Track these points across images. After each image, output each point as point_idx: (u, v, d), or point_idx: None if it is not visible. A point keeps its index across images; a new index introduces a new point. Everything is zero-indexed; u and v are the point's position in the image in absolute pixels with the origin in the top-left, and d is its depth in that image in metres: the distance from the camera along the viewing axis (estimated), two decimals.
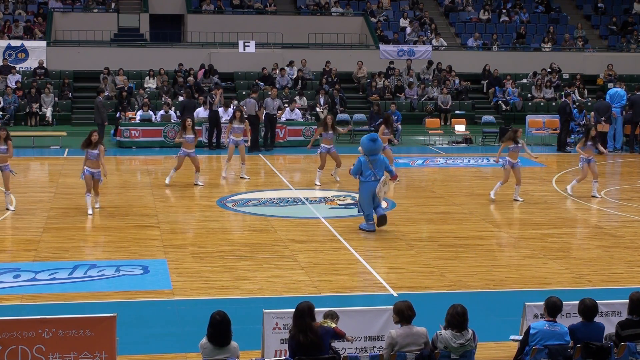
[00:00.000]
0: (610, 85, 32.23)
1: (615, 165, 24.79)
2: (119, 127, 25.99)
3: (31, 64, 32.12)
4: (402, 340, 8.11)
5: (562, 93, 31.29)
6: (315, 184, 19.83)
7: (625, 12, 40.15)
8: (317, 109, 29.61)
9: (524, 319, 9.21)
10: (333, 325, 8.27)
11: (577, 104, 29.79)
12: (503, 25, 38.12)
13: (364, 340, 8.87)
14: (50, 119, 29.48)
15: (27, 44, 32.51)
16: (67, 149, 24.81)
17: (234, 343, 7.97)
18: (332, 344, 8.36)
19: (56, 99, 30.32)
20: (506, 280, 12.51)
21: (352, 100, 32.45)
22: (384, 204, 17.70)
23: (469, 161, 24.29)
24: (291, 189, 19.48)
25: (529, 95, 33.48)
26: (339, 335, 8.28)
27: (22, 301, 11.25)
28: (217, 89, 26.57)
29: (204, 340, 7.95)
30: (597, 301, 8.65)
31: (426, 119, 29.63)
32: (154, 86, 31.15)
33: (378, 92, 32.34)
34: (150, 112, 26.25)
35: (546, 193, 19.25)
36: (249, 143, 21.04)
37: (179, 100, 27.87)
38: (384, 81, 32.90)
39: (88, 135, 16.71)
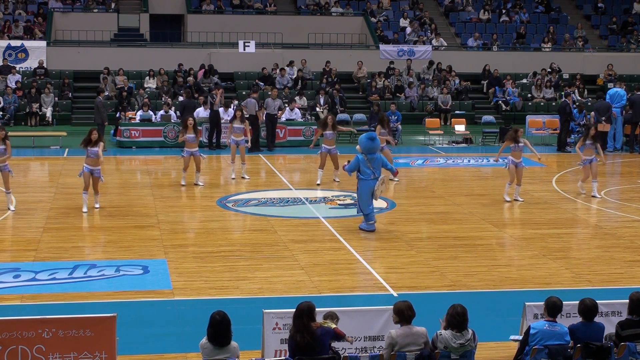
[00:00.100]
0: (610, 85, 32.23)
1: (615, 165, 24.79)
2: (119, 127, 25.99)
3: (31, 64, 32.12)
4: (402, 340, 8.11)
5: (562, 93, 31.30)
6: (317, 184, 19.86)
7: (625, 12, 40.15)
8: (317, 109, 29.61)
9: (524, 319, 9.21)
10: (333, 326, 8.27)
11: (577, 104, 29.79)
12: (503, 25, 38.13)
13: (364, 340, 8.87)
14: (50, 119, 29.48)
15: (27, 44, 32.51)
16: (67, 149, 24.81)
17: (234, 343, 7.97)
18: (332, 345, 8.35)
19: (56, 99, 30.32)
20: (506, 280, 12.51)
21: (352, 100, 32.45)
22: (383, 204, 17.73)
23: (469, 161, 24.29)
24: (291, 189, 19.48)
25: (529, 95, 33.48)
26: (339, 336, 8.28)
27: (22, 301, 11.25)
28: (218, 89, 26.57)
29: (204, 340, 7.95)
30: (597, 301, 8.65)
31: (426, 119, 29.63)
32: (154, 86, 31.16)
33: (378, 92, 32.34)
34: (150, 112, 26.25)
35: (546, 193, 19.25)
36: (249, 144, 21.03)
37: (179, 100, 27.87)
38: (384, 81, 32.90)
39: (88, 133, 16.73)
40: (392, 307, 8.38)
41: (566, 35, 37.01)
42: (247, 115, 24.34)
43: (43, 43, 32.81)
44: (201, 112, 25.70)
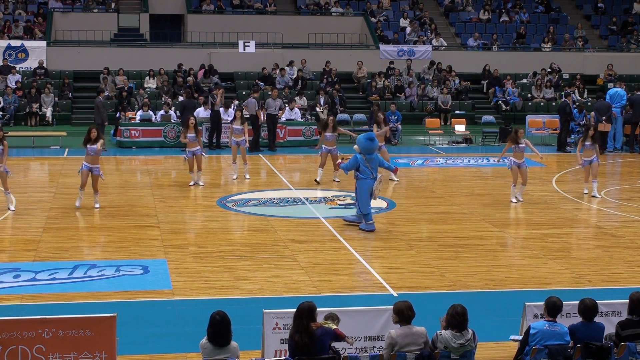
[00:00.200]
0: (610, 85, 32.23)
1: (615, 165, 24.79)
2: (119, 127, 25.99)
3: (31, 64, 32.12)
4: (401, 340, 8.11)
5: (562, 93, 31.30)
6: (316, 181, 19.93)
7: (625, 12, 40.15)
8: (317, 109, 29.61)
9: (524, 319, 9.21)
10: (334, 326, 8.26)
11: (577, 104, 29.79)
12: (503, 25, 38.12)
13: (364, 340, 8.87)
14: (50, 119, 29.48)
15: (27, 44, 32.50)
16: (67, 149, 24.81)
17: (234, 343, 7.97)
18: (333, 345, 8.35)
19: (56, 99, 30.32)
20: (506, 280, 12.51)
21: (352, 100, 32.45)
22: (383, 204, 17.73)
23: (469, 161, 24.29)
24: (291, 189, 19.49)
25: (529, 95, 33.48)
26: (340, 337, 8.28)
27: (22, 301, 11.25)
28: (219, 89, 26.58)
29: (204, 340, 7.95)
30: (597, 301, 8.65)
31: (426, 119, 29.63)
32: (154, 86, 31.16)
33: (378, 92, 32.34)
34: (150, 112, 26.25)
35: (546, 193, 19.25)
36: (247, 144, 20.98)
37: (179, 100, 27.87)
38: (384, 81, 32.90)
39: (87, 132, 16.77)
40: (392, 307, 8.38)
41: (566, 35, 37.01)
42: (248, 115, 24.37)
43: (43, 43, 32.81)
44: (201, 112, 25.69)
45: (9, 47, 32.07)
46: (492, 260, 13.56)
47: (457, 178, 21.70)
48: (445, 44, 36.18)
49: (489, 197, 18.78)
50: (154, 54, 33.31)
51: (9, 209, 16.45)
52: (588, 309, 8.52)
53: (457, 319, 8.12)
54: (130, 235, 14.86)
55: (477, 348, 8.31)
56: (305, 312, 8.05)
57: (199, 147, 19.33)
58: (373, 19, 36.92)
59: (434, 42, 35.52)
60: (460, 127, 28.50)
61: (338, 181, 20.12)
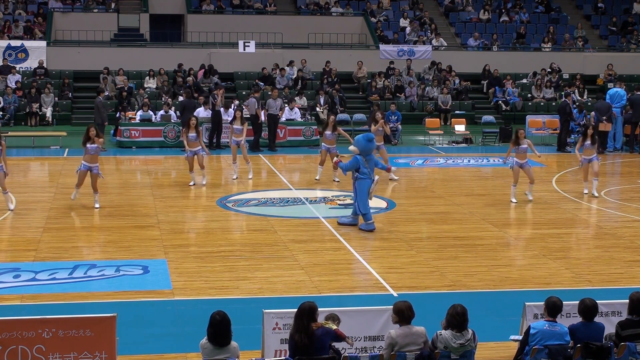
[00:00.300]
0: (610, 85, 32.23)
1: (615, 165, 24.79)
2: (119, 127, 25.99)
3: (31, 64, 32.12)
4: (401, 340, 8.11)
5: (562, 93, 31.29)
6: (315, 179, 19.95)
7: (625, 12, 40.15)
8: (317, 109, 29.61)
9: (524, 319, 9.21)
10: (334, 327, 8.26)
11: (577, 104, 29.79)
12: (503, 25, 38.12)
13: (364, 340, 8.87)
14: (50, 119, 29.47)
15: (27, 44, 32.50)
16: (67, 149, 24.81)
17: (234, 343, 7.97)
18: (334, 345, 8.35)
19: (56, 99, 30.32)
20: (506, 280, 12.51)
21: (352, 100, 32.44)
22: (383, 204, 17.74)
23: (469, 161, 24.29)
24: (291, 189, 19.49)
25: (529, 95, 33.48)
26: (340, 338, 8.28)
27: (22, 301, 11.25)
28: (219, 89, 26.59)
29: (204, 340, 7.95)
30: (597, 301, 8.65)
31: (426, 119, 29.63)
32: (154, 86, 31.15)
33: (378, 92, 32.33)
34: (150, 112, 26.25)
35: (546, 193, 19.24)
36: (243, 142, 20.87)
37: (179, 100, 27.87)
38: (384, 81, 32.89)
39: (86, 131, 16.79)
40: (392, 307, 8.38)
41: (566, 35, 37.01)
42: (248, 115, 24.37)
43: (43, 43, 32.81)
44: (201, 112, 25.69)
45: (9, 47, 32.07)
46: (492, 260, 13.56)
47: (457, 178, 21.70)
48: (445, 44, 36.18)
49: (489, 197, 18.78)
50: (154, 54, 33.31)
51: (9, 208, 16.46)
52: (588, 309, 8.52)
53: (457, 319, 8.12)
54: (130, 235, 14.86)
55: (477, 348, 8.31)
56: (306, 312, 8.05)
57: (200, 147, 19.33)
58: (373, 19, 36.91)
59: (434, 42, 35.52)
60: (460, 127, 28.50)
61: (338, 181, 20.12)
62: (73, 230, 15.38)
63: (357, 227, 15.43)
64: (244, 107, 25.18)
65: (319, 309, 8.23)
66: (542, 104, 32.93)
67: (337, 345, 8.46)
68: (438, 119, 30.17)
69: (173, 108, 26.88)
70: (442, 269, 12.95)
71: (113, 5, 35.83)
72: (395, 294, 11.59)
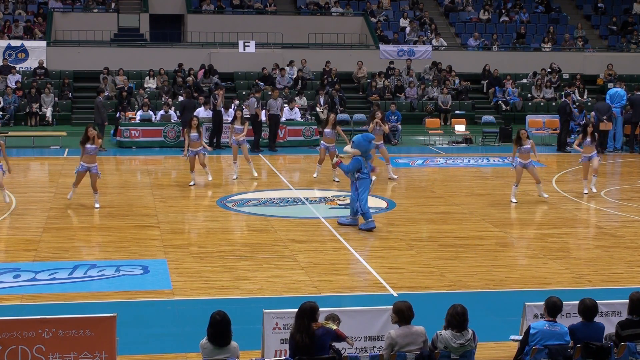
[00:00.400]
0: (610, 85, 32.23)
1: (615, 165, 24.79)
2: (119, 127, 25.99)
3: (31, 64, 32.12)
4: (401, 340, 8.11)
5: (562, 93, 31.29)
6: (313, 177, 20.00)
7: (625, 12, 40.15)
8: (317, 109, 29.61)
9: (524, 319, 9.21)
10: (334, 327, 8.27)
11: (577, 104, 29.80)
12: (503, 25, 38.12)
13: (364, 340, 8.87)
14: (50, 119, 29.47)
15: (27, 44, 32.51)
16: (67, 149, 24.81)
17: (234, 343, 7.97)
18: (334, 345, 8.34)
19: (56, 99, 30.32)
20: (506, 280, 12.51)
21: (352, 100, 32.44)
22: (383, 204, 17.74)
23: (469, 161, 24.29)
24: (291, 189, 19.49)
25: (529, 95, 33.48)
26: (340, 338, 8.28)
27: (22, 301, 11.25)
28: (220, 89, 26.59)
29: (204, 340, 7.95)
30: (597, 301, 8.65)
31: (426, 119, 29.63)
32: (154, 86, 31.16)
33: (378, 92, 32.33)
34: (150, 112, 26.25)
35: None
36: (244, 142, 20.87)
37: (179, 100, 27.87)
38: (384, 81, 32.90)
39: (85, 131, 16.77)
40: (391, 307, 8.38)
41: (566, 35, 37.01)
42: (248, 115, 24.37)
43: (43, 43, 32.81)
44: (201, 112, 25.69)
45: (9, 47, 32.07)
46: (492, 260, 13.56)
47: (457, 178, 21.70)
48: (445, 44, 36.18)
49: (489, 197, 18.78)
50: (154, 54, 33.31)
51: (5, 201, 16.45)
52: (588, 309, 8.52)
53: (457, 319, 8.12)
54: (130, 235, 14.86)
55: (477, 348, 8.30)
56: (307, 312, 8.05)
57: (201, 147, 19.32)
58: (373, 19, 36.92)
59: (434, 42, 35.52)
60: (460, 127, 28.50)
61: (338, 181, 20.12)
62: (73, 230, 15.39)
63: (357, 227, 15.43)
64: (244, 107, 25.18)
65: (319, 309, 8.23)
66: (542, 104, 32.93)
67: (337, 345, 8.46)
68: (438, 119, 30.18)
69: (173, 108, 26.87)
70: (442, 269, 12.94)
71: (113, 5, 35.83)
72: (395, 294, 11.59)
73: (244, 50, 31.79)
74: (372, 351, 8.71)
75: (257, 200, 18.13)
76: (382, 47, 34.18)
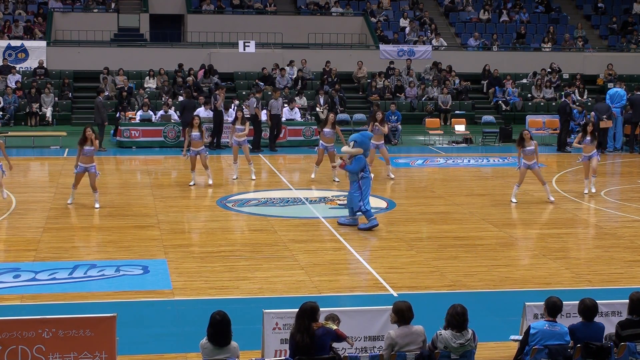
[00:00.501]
0: (610, 85, 32.23)
1: (615, 165, 24.79)
2: (119, 127, 25.99)
3: (31, 64, 32.12)
4: (401, 340, 8.11)
5: (562, 93, 31.29)
6: (311, 178, 20.00)
7: (625, 12, 40.15)
8: (317, 109, 29.61)
9: (524, 319, 9.21)
10: (334, 327, 8.27)
11: (577, 103, 29.79)
12: (503, 25, 38.12)
13: (364, 340, 8.87)
14: (50, 119, 29.47)
15: (27, 44, 32.50)
16: (67, 149, 24.81)
17: (234, 343, 7.97)
18: (333, 345, 8.34)
19: (56, 99, 30.32)
20: (506, 280, 12.51)
21: (352, 100, 32.44)
22: (383, 204, 17.74)
23: (469, 161, 24.29)
24: (291, 189, 19.48)
25: (529, 95, 33.48)
26: (340, 338, 8.29)
27: (22, 301, 11.25)
28: (221, 89, 26.60)
29: (204, 340, 7.95)
30: (597, 301, 8.65)
31: (426, 119, 29.64)
32: (154, 86, 31.15)
33: (378, 92, 32.33)
34: (150, 112, 26.25)
35: (545, 192, 19.20)
36: (245, 142, 20.88)
37: (179, 100, 27.87)
38: (384, 81, 32.90)
39: (82, 132, 16.78)
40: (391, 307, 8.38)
41: (566, 35, 37.01)
42: (248, 115, 24.38)
43: (43, 43, 32.81)
44: (202, 112, 25.68)
45: (9, 47, 32.07)
46: (492, 260, 13.56)
47: (457, 178, 21.69)
48: (445, 44, 36.18)
49: (489, 197, 18.78)
50: (154, 54, 33.31)
51: (2, 197, 16.46)
52: (588, 309, 8.52)
53: (457, 319, 8.12)
54: (130, 235, 14.86)
55: (477, 348, 8.30)
56: (307, 312, 8.05)
57: (203, 147, 19.31)
58: (373, 19, 36.91)
59: (434, 42, 35.52)
60: (460, 127, 28.50)
61: (338, 181, 20.12)
62: (73, 230, 15.38)
63: (357, 228, 15.43)
64: (244, 107, 25.19)
65: (320, 309, 8.23)
66: (542, 104, 32.93)
67: (337, 345, 8.46)
68: (438, 119, 30.18)
69: (173, 108, 26.87)
70: (442, 269, 12.94)
71: (113, 5, 35.83)
72: (395, 294, 11.59)
73: (244, 50, 31.79)
74: (372, 351, 8.71)
75: (257, 200, 18.13)
76: (382, 47, 34.18)
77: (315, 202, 17.96)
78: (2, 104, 29.41)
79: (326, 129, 20.09)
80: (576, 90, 32.84)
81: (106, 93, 29.05)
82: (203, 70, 31.93)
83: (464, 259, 13.57)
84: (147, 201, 17.77)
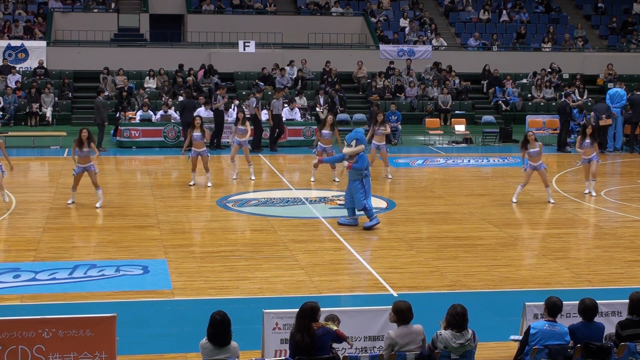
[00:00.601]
0: (610, 85, 32.23)
1: (615, 165, 24.79)
2: (119, 127, 25.99)
3: (31, 64, 32.12)
4: (401, 340, 8.11)
5: (562, 93, 31.29)
6: (311, 181, 20.00)
7: (625, 12, 40.15)
8: (317, 109, 29.61)
9: (524, 319, 9.21)
10: (335, 328, 8.27)
11: (576, 102, 29.80)
12: (503, 25, 38.12)
13: (364, 340, 8.87)
14: (50, 119, 29.47)
15: (27, 44, 32.50)
16: (67, 149, 24.79)
17: (234, 343, 7.97)
18: (333, 346, 8.34)
19: (56, 99, 30.32)
20: (506, 280, 12.51)
21: (352, 100, 32.45)
22: (383, 204, 17.74)
23: (469, 161, 24.29)
24: (291, 189, 19.48)
25: (529, 95, 33.48)
26: (341, 338, 8.29)
27: (22, 301, 11.25)
28: (223, 89, 26.60)
29: (204, 340, 7.95)
30: (597, 301, 8.65)
31: (426, 119, 29.64)
32: (154, 86, 31.15)
33: (378, 92, 32.33)
34: (150, 112, 26.25)
35: (546, 193, 19.20)
36: (243, 140, 20.83)
37: (179, 100, 27.87)
38: (384, 81, 32.90)
39: (78, 134, 16.80)
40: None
41: (566, 35, 37.01)
42: (248, 115, 24.39)
43: (43, 43, 32.81)
44: (202, 112, 25.66)
45: (9, 47, 32.07)
46: (492, 260, 13.56)
47: (457, 178, 21.69)
48: (445, 44, 36.18)
49: (489, 197, 18.78)
50: (154, 54, 33.31)
51: (4, 201, 16.45)
52: (588, 309, 8.52)
53: (457, 319, 8.12)
54: (130, 235, 14.86)
55: (477, 348, 8.31)
56: (308, 312, 8.05)
57: (204, 148, 19.30)
58: (373, 19, 36.91)
59: (434, 42, 35.52)
60: (460, 127, 28.50)
61: (338, 181, 20.12)
62: (73, 230, 15.38)
63: (357, 227, 15.42)
64: (244, 107, 25.18)
65: (320, 309, 8.23)
66: (542, 104, 32.93)
67: (337, 346, 8.46)
68: (438, 119, 30.18)
69: (173, 108, 26.86)
70: (442, 269, 12.95)
71: (113, 5, 35.83)
72: (395, 294, 11.59)
73: (244, 50, 31.79)
74: (372, 351, 8.71)
75: (257, 200, 18.13)
76: (382, 47, 34.18)
77: (315, 202, 17.96)
78: (2, 104, 29.41)
79: (324, 131, 20.08)
80: (576, 90, 32.84)
81: (106, 93, 29.06)
82: (203, 70, 31.93)
83: (464, 259, 13.57)
84: (147, 201, 17.77)
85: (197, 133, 19.10)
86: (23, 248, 13.89)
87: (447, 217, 16.65)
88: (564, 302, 8.68)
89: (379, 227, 15.39)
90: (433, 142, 28.01)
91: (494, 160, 24.50)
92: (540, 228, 16.06)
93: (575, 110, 28.17)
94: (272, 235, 14.97)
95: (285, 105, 27.04)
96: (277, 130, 25.76)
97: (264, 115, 25.94)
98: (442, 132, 28.53)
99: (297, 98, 28.93)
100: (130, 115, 26.42)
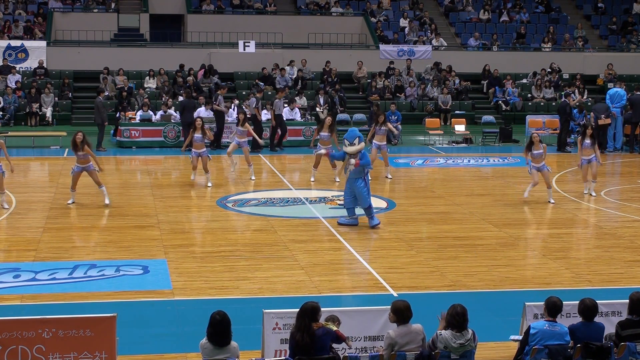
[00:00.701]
0: (610, 85, 32.23)
1: (615, 165, 24.79)
2: (119, 127, 25.99)
3: (31, 64, 32.12)
4: (401, 339, 8.11)
5: (562, 93, 31.29)
6: (310, 182, 19.99)
7: (625, 12, 40.15)
8: (317, 109, 29.62)
9: (524, 319, 9.21)
10: (335, 328, 8.27)
11: (576, 101, 29.81)
12: (503, 25, 38.12)
13: (364, 340, 8.87)
14: (50, 119, 29.47)
15: (27, 44, 32.50)
16: (67, 149, 24.77)
17: (234, 343, 7.97)
18: (333, 346, 8.34)
19: (56, 99, 30.32)
20: (506, 280, 12.51)
21: (352, 100, 32.45)
22: (383, 204, 17.74)
23: (469, 161, 24.29)
24: (291, 189, 19.48)
25: (529, 95, 33.49)
26: (340, 339, 8.28)
27: (22, 301, 11.25)
28: (223, 89, 26.57)
29: (204, 340, 7.95)
30: (597, 301, 8.65)
31: (426, 119, 29.64)
32: (154, 86, 31.15)
33: (378, 92, 32.33)
34: (150, 112, 26.25)
35: (546, 193, 19.19)
36: (243, 141, 20.84)
37: (179, 100, 27.86)
38: (384, 81, 32.90)
39: (73, 137, 16.80)
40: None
41: (566, 35, 37.01)
42: (249, 115, 24.38)
43: (43, 43, 32.81)
44: (202, 112, 25.66)
45: (9, 47, 32.07)
46: (492, 260, 13.56)
47: (457, 178, 21.70)
48: (445, 44, 36.18)
49: (489, 197, 18.79)
50: (154, 54, 33.31)
51: (3, 207, 16.45)
52: (588, 309, 8.52)
53: (457, 319, 8.12)
54: (130, 235, 14.86)
55: (477, 348, 8.31)
56: (308, 312, 8.05)
57: (205, 149, 19.29)
58: (373, 19, 36.91)
59: (434, 42, 35.52)
60: (460, 127, 28.50)
61: (338, 181, 20.12)
62: (73, 230, 15.38)
63: (357, 227, 15.42)
64: (244, 107, 25.17)
65: (321, 310, 8.23)
66: (542, 104, 32.93)
67: (337, 346, 8.46)
68: (438, 119, 30.18)
69: (173, 108, 26.85)
70: (442, 269, 12.95)
71: (113, 5, 35.83)
72: (395, 294, 11.59)
73: (244, 50, 31.78)
74: (372, 351, 8.71)
75: (257, 200, 18.13)
76: (382, 47, 34.17)
77: (315, 202, 17.96)
78: (2, 104, 29.41)
79: (323, 133, 20.07)
80: (576, 90, 32.84)
81: (106, 93, 29.05)
82: (203, 70, 31.93)
83: (464, 259, 13.57)
84: (147, 201, 17.77)
85: (197, 135, 19.10)
86: (23, 248, 13.89)
87: (447, 217, 16.65)
88: (564, 302, 8.68)
89: (379, 227, 15.38)
90: (433, 142, 28.02)
91: (494, 160, 24.50)
92: (541, 228, 16.06)
93: (575, 110, 28.17)
94: (272, 235, 14.97)
95: (286, 105, 27.04)
96: (279, 130, 25.73)
97: (265, 115, 25.93)
98: (442, 132, 28.53)
99: (297, 98, 28.93)
100: (130, 115, 26.42)
